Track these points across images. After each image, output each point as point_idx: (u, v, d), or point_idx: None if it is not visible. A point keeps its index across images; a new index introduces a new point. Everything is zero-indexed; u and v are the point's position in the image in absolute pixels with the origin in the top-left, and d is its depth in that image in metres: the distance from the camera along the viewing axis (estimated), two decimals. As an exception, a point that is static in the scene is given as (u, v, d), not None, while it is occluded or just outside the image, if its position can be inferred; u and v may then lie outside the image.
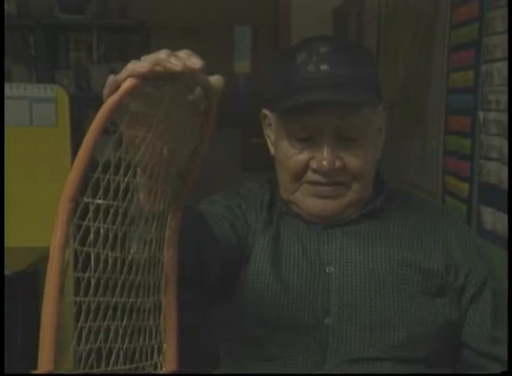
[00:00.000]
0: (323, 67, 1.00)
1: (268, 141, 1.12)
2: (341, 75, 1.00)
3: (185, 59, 0.64)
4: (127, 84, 0.61)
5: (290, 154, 1.04)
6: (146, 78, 0.62)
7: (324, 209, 1.06)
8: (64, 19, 3.44)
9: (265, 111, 1.10)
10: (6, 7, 3.18)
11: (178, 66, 0.63)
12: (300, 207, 1.07)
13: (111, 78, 0.62)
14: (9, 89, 2.39)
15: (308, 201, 1.06)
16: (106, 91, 0.63)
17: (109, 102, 0.60)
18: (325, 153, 1.01)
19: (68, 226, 0.54)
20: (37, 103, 2.41)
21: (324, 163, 1.01)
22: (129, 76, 0.62)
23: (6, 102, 2.36)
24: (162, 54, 0.64)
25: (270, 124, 1.10)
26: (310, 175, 1.04)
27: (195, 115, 0.69)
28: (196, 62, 0.65)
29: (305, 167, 1.04)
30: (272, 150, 1.11)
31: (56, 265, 0.54)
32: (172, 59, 0.64)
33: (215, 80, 0.68)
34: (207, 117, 0.70)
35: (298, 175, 1.05)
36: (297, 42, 1.08)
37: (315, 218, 1.07)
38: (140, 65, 0.62)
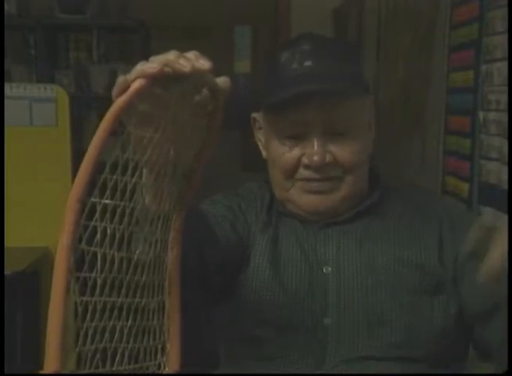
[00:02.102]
0: (307, 63, 1.02)
1: (259, 145, 1.13)
2: (325, 69, 1.02)
3: (194, 61, 0.65)
4: (136, 84, 0.61)
5: (281, 152, 1.05)
6: (155, 79, 0.62)
7: (320, 205, 1.06)
8: (64, 19, 3.44)
9: (255, 115, 1.11)
10: (6, 7, 3.18)
11: (186, 68, 0.64)
12: (296, 205, 1.08)
13: (121, 79, 0.63)
14: (8, 89, 2.39)
15: (304, 198, 1.06)
16: (115, 91, 0.63)
17: (119, 102, 0.61)
18: (315, 148, 1.02)
19: (75, 227, 0.54)
20: (37, 103, 2.41)
21: (315, 158, 1.02)
22: (138, 77, 0.62)
23: (6, 102, 2.36)
24: (171, 55, 0.65)
25: (260, 128, 1.11)
26: (302, 172, 1.05)
27: (201, 116, 0.70)
28: (204, 63, 0.65)
29: (296, 164, 1.04)
30: (263, 153, 1.12)
31: (63, 265, 0.54)
32: (181, 61, 0.64)
33: (222, 81, 0.69)
34: (213, 118, 0.70)
35: (290, 173, 1.05)
36: (281, 43, 1.10)
37: (312, 215, 1.07)
38: (149, 66, 0.63)
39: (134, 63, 0.65)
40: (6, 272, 2.07)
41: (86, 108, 3.32)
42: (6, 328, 2.04)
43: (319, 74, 1.02)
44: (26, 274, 2.19)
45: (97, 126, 0.59)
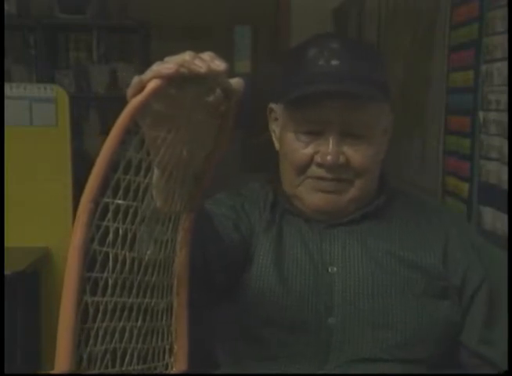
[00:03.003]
0: (334, 62, 1.01)
1: (273, 136, 1.13)
2: (351, 70, 1.01)
3: (209, 62, 0.65)
4: (152, 85, 0.61)
5: (295, 147, 1.05)
6: (171, 80, 0.62)
7: (326, 204, 1.06)
8: (64, 19, 3.44)
9: (272, 105, 1.11)
10: (6, 7, 3.18)
11: (202, 68, 0.64)
12: (303, 203, 1.08)
13: (136, 79, 0.63)
14: (8, 89, 2.39)
15: (312, 196, 1.06)
16: (130, 91, 0.63)
17: (134, 102, 0.60)
18: (330, 147, 1.02)
19: (88, 227, 0.54)
20: (37, 103, 2.41)
21: (328, 158, 1.02)
22: (154, 77, 0.62)
23: (6, 102, 2.36)
24: (186, 56, 0.65)
25: (276, 119, 1.11)
26: (314, 170, 1.05)
27: (213, 117, 0.70)
28: (219, 64, 0.65)
29: (309, 161, 1.04)
30: (276, 145, 1.12)
31: (76, 266, 0.54)
32: (197, 61, 0.64)
33: (236, 82, 0.69)
34: (225, 119, 0.70)
35: (302, 169, 1.05)
36: (308, 38, 1.09)
37: (317, 214, 1.07)
38: (165, 66, 0.63)
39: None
40: (6, 272, 2.07)
41: (86, 108, 3.31)
42: (6, 328, 2.04)
43: (345, 74, 1.01)
44: (26, 274, 2.19)
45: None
